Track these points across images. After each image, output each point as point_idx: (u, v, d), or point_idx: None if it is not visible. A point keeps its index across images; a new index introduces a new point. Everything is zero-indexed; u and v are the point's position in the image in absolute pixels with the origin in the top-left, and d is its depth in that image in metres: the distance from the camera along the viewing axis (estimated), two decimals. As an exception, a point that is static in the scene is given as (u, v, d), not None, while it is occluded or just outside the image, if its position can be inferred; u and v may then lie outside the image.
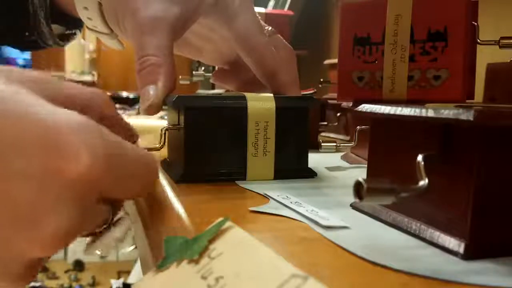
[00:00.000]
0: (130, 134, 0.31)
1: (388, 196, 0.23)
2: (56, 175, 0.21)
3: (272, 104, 0.39)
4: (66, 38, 0.55)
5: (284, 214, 0.30)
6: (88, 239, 0.28)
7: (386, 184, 0.23)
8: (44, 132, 0.21)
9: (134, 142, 0.31)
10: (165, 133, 0.40)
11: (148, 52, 0.39)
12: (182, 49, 0.53)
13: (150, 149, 0.37)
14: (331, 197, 0.35)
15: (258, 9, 0.90)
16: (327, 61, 0.92)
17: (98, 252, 0.28)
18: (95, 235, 0.28)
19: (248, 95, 0.39)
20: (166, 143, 0.41)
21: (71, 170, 0.21)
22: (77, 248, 2.67)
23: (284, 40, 0.50)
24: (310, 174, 0.42)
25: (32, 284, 2.26)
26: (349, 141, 0.53)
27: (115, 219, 0.28)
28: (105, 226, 0.27)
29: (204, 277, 0.20)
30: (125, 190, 0.26)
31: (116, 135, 0.24)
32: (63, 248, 0.23)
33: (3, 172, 0.20)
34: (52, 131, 0.21)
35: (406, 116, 0.26)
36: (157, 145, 0.39)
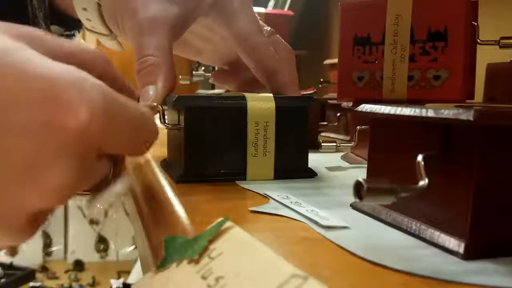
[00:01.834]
0: (129, 93, 0.31)
1: (388, 196, 0.23)
2: (56, 130, 0.21)
3: (272, 104, 0.39)
4: (65, 39, 0.55)
5: (284, 214, 0.30)
6: (89, 194, 0.28)
7: (386, 184, 0.23)
8: (44, 87, 0.21)
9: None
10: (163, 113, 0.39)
11: (147, 52, 0.39)
12: (181, 49, 0.53)
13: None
14: (331, 197, 0.35)
15: (258, 9, 0.90)
16: (327, 61, 0.92)
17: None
18: (96, 191, 0.28)
19: (248, 95, 0.39)
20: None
21: (70, 125, 0.21)
22: (77, 248, 2.67)
23: (283, 40, 0.50)
24: (310, 174, 0.42)
25: (32, 284, 2.26)
26: (349, 141, 0.53)
27: (115, 175, 0.28)
28: (105, 181, 0.28)
29: (204, 277, 0.20)
30: (125, 145, 0.26)
31: (116, 91, 0.24)
32: (65, 202, 0.23)
33: (3, 127, 0.21)
34: (51, 86, 0.21)
35: (406, 116, 0.26)
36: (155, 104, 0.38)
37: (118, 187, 0.29)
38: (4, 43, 0.22)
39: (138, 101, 0.39)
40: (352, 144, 0.51)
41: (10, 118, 0.21)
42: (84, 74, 0.23)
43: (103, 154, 0.25)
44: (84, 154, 0.23)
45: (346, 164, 0.51)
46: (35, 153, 0.21)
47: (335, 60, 0.75)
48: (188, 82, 1.03)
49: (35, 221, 0.24)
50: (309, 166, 0.42)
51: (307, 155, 0.42)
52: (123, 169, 0.29)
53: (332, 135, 0.78)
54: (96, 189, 0.28)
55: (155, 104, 0.38)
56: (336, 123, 0.74)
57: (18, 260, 2.30)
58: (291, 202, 0.32)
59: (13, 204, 0.22)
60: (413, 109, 0.26)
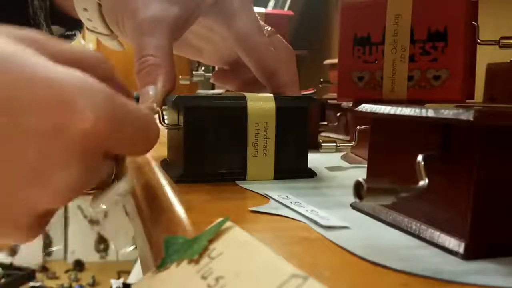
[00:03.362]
0: (128, 95, 0.32)
1: (388, 196, 0.23)
2: (63, 132, 0.22)
3: (272, 104, 0.39)
4: (66, 39, 0.55)
5: (284, 214, 0.30)
6: (92, 193, 0.29)
7: (386, 184, 0.23)
8: (51, 91, 0.22)
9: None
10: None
11: (147, 52, 0.39)
12: (182, 49, 0.53)
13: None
14: (331, 197, 0.35)
15: (258, 9, 0.90)
16: (327, 61, 0.92)
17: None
18: (100, 190, 0.29)
19: (248, 95, 0.39)
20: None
21: (77, 128, 0.22)
22: (77, 248, 2.67)
23: (284, 40, 0.50)
24: (310, 174, 0.42)
25: (32, 284, 2.26)
26: (349, 141, 0.53)
27: (118, 174, 0.29)
28: (109, 181, 0.29)
29: (204, 277, 0.20)
30: (128, 146, 0.27)
31: (119, 94, 0.25)
32: (70, 201, 0.24)
33: (12, 129, 0.21)
34: (59, 90, 0.22)
35: (406, 116, 0.26)
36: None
37: (121, 186, 0.29)
38: (13, 49, 0.22)
39: (137, 102, 0.39)
40: (352, 144, 0.51)
41: (19, 121, 0.21)
42: (89, 78, 0.23)
43: (107, 155, 0.26)
44: (90, 155, 0.24)
45: (346, 164, 0.51)
46: (43, 155, 0.22)
47: (335, 60, 0.75)
48: (188, 82, 1.03)
49: (41, 221, 0.25)
50: (309, 166, 0.42)
51: (307, 155, 0.42)
52: (125, 168, 0.30)
53: (332, 135, 0.78)
54: (99, 188, 0.29)
55: (154, 104, 0.38)
56: (336, 123, 0.74)
57: (18, 260, 2.30)
58: (291, 202, 0.32)
59: (21, 205, 0.23)
60: (413, 109, 0.26)
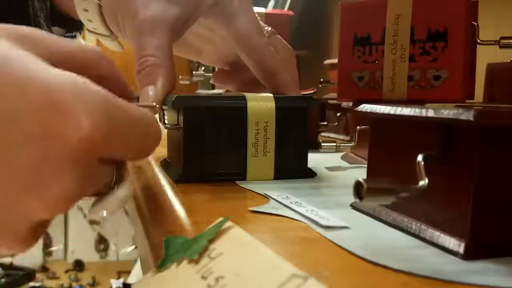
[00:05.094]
0: (128, 95, 0.31)
1: (388, 196, 0.23)
2: (57, 140, 0.21)
3: (272, 104, 0.39)
4: (67, 39, 0.55)
5: (284, 214, 0.30)
6: (92, 200, 0.28)
7: (386, 184, 0.23)
8: (43, 97, 0.21)
9: (132, 101, 0.31)
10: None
11: (147, 52, 0.39)
12: (182, 49, 0.53)
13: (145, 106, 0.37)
14: (331, 197, 0.35)
15: (258, 9, 0.90)
16: (327, 61, 0.92)
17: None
18: (99, 196, 0.28)
19: (248, 95, 0.39)
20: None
21: (72, 135, 0.21)
22: (77, 248, 2.67)
23: (284, 40, 0.50)
24: (310, 174, 0.42)
25: (32, 284, 2.26)
26: (349, 141, 0.53)
27: (118, 180, 0.28)
28: (108, 187, 0.28)
29: (204, 277, 0.20)
30: (127, 151, 0.26)
31: (117, 96, 0.24)
32: (67, 210, 0.23)
33: (3, 137, 0.20)
34: (51, 96, 0.21)
35: (406, 116, 0.26)
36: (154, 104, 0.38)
37: (121, 191, 0.28)
38: (3, 50, 0.21)
39: (138, 101, 0.39)
40: (352, 144, 0.51)
41: (10, 129, 0.20)
42: (84, 82, 0.22)
43: (105, 160, 0.25)
44: (86, 163, 0.23)
45: (346, 164, 0.51)
46: (37, 163, 0.21)
47: (335, 60, 0.75)
48: (188, 82, 1.03)
49: (37, 230, 0.24)
50: (309, 166, 0.42)
51: (307, 155, 0.42)
52: (125, 173, 0.29)
53: (332, 135, 0.78)
54: (99, 194, 0.28)
55: (154, 104, 0.38)
56: (336, 123, 0.74)
57: (18, 260, 2.30)
58: (291, 202, 0.32)
59: (16, 215, 0.22)
60: (413, 109, 0.26)
